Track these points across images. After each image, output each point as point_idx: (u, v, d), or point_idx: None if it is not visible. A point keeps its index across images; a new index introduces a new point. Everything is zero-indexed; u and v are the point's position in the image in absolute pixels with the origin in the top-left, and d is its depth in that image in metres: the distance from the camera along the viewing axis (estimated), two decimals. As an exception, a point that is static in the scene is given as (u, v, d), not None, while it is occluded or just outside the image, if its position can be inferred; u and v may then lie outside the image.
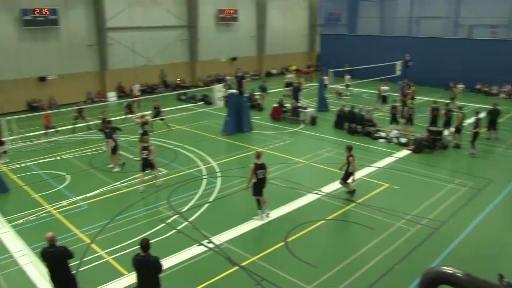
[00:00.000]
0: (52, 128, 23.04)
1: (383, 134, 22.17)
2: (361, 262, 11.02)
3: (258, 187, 13.32)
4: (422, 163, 18.58)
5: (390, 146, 21.04)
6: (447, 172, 17.64)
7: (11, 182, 17.05)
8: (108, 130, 18.46)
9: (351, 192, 15.09)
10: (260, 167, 13.18)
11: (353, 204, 14.42)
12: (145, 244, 8.09)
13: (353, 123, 23.52)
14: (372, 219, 13.38)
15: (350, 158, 14.77)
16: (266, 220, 13.46)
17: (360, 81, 36.04)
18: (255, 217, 13.58)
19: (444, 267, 5.75)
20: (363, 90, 35.46)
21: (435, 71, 36.36)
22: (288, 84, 34.82)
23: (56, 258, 8.66)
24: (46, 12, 30.78)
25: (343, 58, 41.12)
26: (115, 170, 17.97)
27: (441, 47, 37.43)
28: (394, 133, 21.78)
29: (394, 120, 22.79)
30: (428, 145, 19.98)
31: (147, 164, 15.90)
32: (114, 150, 18.16)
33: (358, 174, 16.98)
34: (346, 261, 11.10)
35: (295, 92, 28.64)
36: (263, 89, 32.09)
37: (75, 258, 9.25)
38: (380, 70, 34.33)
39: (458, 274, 5.51)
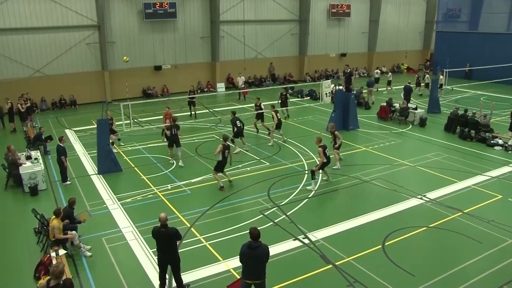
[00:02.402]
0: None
1: (500, 142, 20.55)
2: (463, 277, 10.34)
3: (326, 164, 15.65)
4: (543, 175, 16.97)
5: (507, 155, 19.45)
6: None
7: (124, 163, 18.42)
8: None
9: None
10: (325, 147, 15.56)
11: (459, 213, 13.57)
12: (256, 234, 8.32)
13: (466, 127, 22.06)
14: (480, 231, 12.49)
15: (319, 149, 15.48)
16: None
17: (478, 83, 33.66)
18: (308, 188, 15.46)
19: None
20: (481, 93, 33.11)
21: None
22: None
23: (166, 238, 9.19)
24: (166, 6, 32.71)
25: (460, 57, 38.71)
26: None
27: None
28: (513, 140, 20.12)
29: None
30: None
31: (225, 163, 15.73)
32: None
33: (469, 182, 16.05)
34: (447, 273, 10.47)
35: (407, 92, 27.54)
36: (370, 85, 31.30)
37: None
38: (504, 72, 31.74)
39: None
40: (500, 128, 22.31)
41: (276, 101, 25.71)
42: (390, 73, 36.79)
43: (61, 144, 16.19)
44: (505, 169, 17.59)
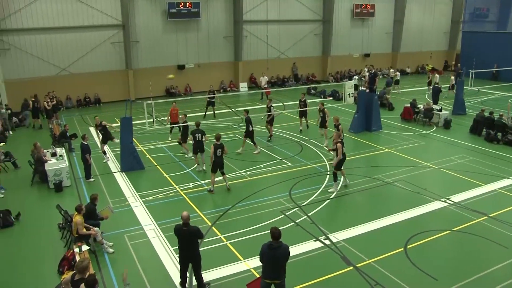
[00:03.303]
0: (175, 124, 21.08)
1: (527, 144, 20.11)
2: (488, 282, 10.11)
3: (343, 161, 15.39)
4: None
5: (535, 158, 19.03)
6: None
7: (147, 161, 18.60)
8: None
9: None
10: (343, 143, 15.39)
11: (485, 218, 13.30)
12: (278, 234, 8.27)
13: (493, 130, 21.62)
14: (506, 236, 12.21)
15: (338, 145, 15.25)
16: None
17: (506, 84, 32.98)
18: (330, 190, 15.31)
19: None
20: (509, 94, 32.45)
21: None
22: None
23: (187, 236, 9.26)
24: (190, 6, 32.93)
25: (487, 58, 38.00)
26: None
27: None
28: (541, 144, 19.64)
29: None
30: None
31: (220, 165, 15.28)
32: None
33: (495, 186, 15.74)
34: (471, 278, 10.27)
35: (435, 94, 27.14)
36: (388, 84, 31.14)
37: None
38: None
39: None
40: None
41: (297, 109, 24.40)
42: (397, 73, 36.49)
43: (85, 142, 16.42)
44: (532, 173, 17.20)
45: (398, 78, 35.39)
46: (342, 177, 15.88)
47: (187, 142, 19.01)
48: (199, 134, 16.78)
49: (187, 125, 19.25)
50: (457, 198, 14.72)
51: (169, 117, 21.18)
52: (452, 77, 33.12)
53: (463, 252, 11.69)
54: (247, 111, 19.77)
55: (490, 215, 13.42)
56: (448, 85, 32.58)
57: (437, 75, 34.28)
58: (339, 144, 15.20)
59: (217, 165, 15.17)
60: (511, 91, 33.24)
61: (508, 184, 16.04)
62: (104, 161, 18.88)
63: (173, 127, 21.36)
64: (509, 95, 32.30)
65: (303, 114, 23.26)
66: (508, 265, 10.84)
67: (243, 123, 20.54)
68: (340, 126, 17.53)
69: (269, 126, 21.70)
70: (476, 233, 12.40)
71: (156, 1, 32.51)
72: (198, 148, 16.99)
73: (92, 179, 16.66)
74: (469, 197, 14.80)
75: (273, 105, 22.16)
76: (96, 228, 11.55)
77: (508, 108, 22.92)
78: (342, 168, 15.54)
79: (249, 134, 19.34)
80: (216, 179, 15.58)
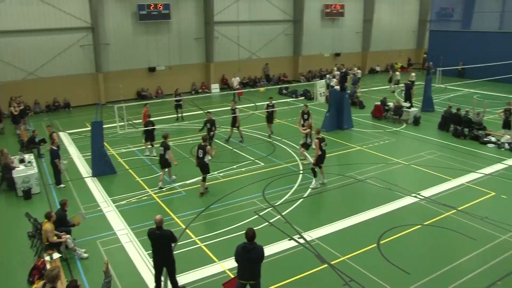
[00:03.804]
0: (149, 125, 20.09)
1: (493, 139, 20.65)
2: (458, 273, 10.38)
3: (322, 158, 15.45)
4: (536, 172, 17.06)
5: (500, 152, 19.55)
6: None
7: (118, 165, 18.38)
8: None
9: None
10: (322, 140, 15.35)
11: (454, 211, 13.63)
12: (251, 235, 8.28)
13: (460, 126, 22.15)
14: (474, 228, 12.56)
15: (316, 141, 15.46)
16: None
17: (472, 81, 33.83)
18: (311, 186, 15.56)
19: None
20: (474, 91, 33.28)
21: None
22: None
23: (161, 240, 9.19)
24: (160, 7, 32.66)
25: (453, 56, 38.90)
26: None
27: None
28: (506, 138, 20.19)
29: (506, 124, 21.04)
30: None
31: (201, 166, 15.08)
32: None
33: (463, 180, 16.13)
34: (442, 270, 10.52)
35: (407, 90, 27.57)
36: (355, 82, 31.96)
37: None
38: (496, 70, 31.93)
39: None
40: (493, 126, 22.41)
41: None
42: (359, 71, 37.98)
43: (54, 147, 16.14)
44: (498, 166, 17.69)
45: (359, 76, 36.39)
46: (320, 175, 15.96)
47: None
48: (162, 147, 15.72)
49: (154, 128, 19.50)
50: (427, 193, 15.04)
51: (143, 118, 20.96)
52: (413, 74, 33.97)
53: (434, 245, 11.96)
54: (210, 113, 19.55)
55: (459, 209, 13.76)
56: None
57: (397, 72, 35.92)
58: (316, 140, 15.38)
59: (323, 159, 15.51)
60: (477, 88, 34.11)
61: (475, 177, 16.46)
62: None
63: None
64: (475, 92, 33.13)
65: (270, 118, 22.27)
66: (476, 256, 11.17)
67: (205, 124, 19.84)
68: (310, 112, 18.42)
69: (237, 129, 21.41)
70: (446, 227, 12.71)
71: (126, 3, 32.12)
72: (161, 162, 15.87)
73: (62, 185, 16.36)
74: (439, 191, 15.15)
75: (237, 107, 21.79)
76: (68, 235, 11.36)
77: (473, 104, 23.50)
78: (321, 165, 15.69)
79: (210, 137, 18.86)
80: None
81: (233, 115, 21.10)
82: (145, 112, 21.01)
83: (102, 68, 31.76)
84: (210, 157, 14.95)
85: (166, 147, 15.57)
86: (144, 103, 22.77)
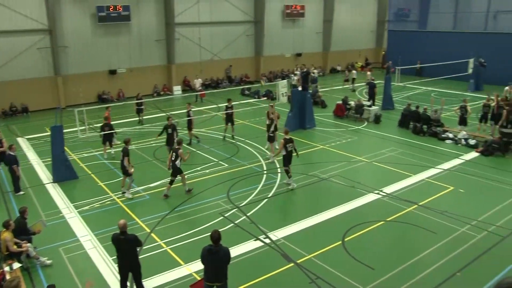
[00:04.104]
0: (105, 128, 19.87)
1: (450, 135, 21.32)
2: (420, 267, 10.69)
3: (288, 159, 15.41)
4: (491, 166, 17.70)
5: (457, 148, 20.20)
6: (519, 177, 16.65)
7: (80, 170, 18.00)
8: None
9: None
10: (289, 141, 15.41)
11: (415, 206, 14.01)
12: (216, 237, 8.26)
13: (419, 123, 22.76)
14: (435, 222, 12.95)
15: (281, 141, 15.71)
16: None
17: (429, 79, 34.83)
18: (290, 187, 15.62)
19: None
20: (432, 89, 34.26)
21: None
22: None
23: (125, 245, 9.08)
24: (120, 9, 32.14)
25: (411, 55, 40.00)
26: None
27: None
28: (462, 134, 20.88)
29: (462, 121, 21.77)
30: (499, 148, 18.96)
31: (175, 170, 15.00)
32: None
33: (423, 175, 16.58)
34: (405, 264, 10.81)
35: (371, 89, 28.08)
36: (313, 82, 32.22)
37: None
38: (452, 69, 33.05)
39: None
40: (450, 123, 23.14)
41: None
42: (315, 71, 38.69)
43: (11, 153, 15.67)
44: (455, 162, 18.27)
45: (316, 76, 37.10)
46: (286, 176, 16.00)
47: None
48: (122, 154, 15.13)
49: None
50: (389, 189, 15.40)
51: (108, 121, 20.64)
52: (368, 73, 35.02)
53: (396, 240, 12.27)
54: (170, 118, 19.03)
55: (420, 204, 14.15)
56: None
57: (354, 71, 37.27)
58: (281, 141, 15.54)
59: (290, 160, 15.57)
60: (434, 86, 35.09)
61: (434, 173, 16.96)
62: None
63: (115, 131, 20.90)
64: (432, 90, 34.10)
65: (229, 120, 21.79)
66: (437, 249, 11.52)
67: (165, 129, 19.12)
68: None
69: (190, 132, 21.15)
70: (407, 222, 13.05)
71: (84, 4, 31.42)
72: (122, 168, 15.33)
73: (22, 192, 15.90)
74: (400, 187, 15.53)
75: (192, 109, 21.50)
76: (29, 244, 11.06)
77: (431, 102, 24.19)
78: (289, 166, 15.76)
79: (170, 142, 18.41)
80: (157, 183, 15.32)
81: (188, 118, 20.87)
82: (107, 115, 20.77)
83: (61, 71, 31.00)
84: (182, 161, 14.88)
85: (124, 153, 15.00)
86: (106, 106, 22.41)
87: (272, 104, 20.34)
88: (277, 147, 18.23)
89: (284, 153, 15.43)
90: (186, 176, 15.69)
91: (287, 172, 15.65)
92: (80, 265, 11.15)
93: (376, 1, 50.15)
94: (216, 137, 22.41)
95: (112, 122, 20.38)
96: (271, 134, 18.80)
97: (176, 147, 15.00)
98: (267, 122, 19.57)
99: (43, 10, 29.65)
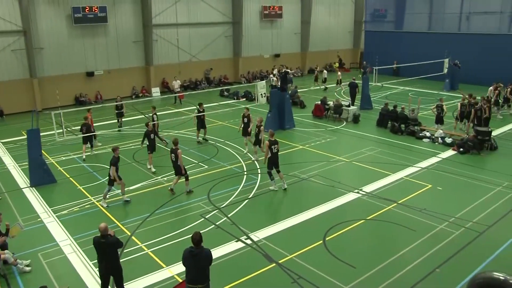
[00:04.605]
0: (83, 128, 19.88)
1: (427, 134, 21.65)
2: (400, 264, 10.83)
3: (273, 161, 15.35)
4: (468, 164, 18.04)
5: (434, 146, 20.53)
6: (495, 174, 16.95)
7: (58, 174, 17.73)
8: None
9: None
10: (274, 142, 15.29)
11: (394, 204, 14.19)
12: (197, 239, 8.23)
13: (397, 122, 23.07)
14: (414, 220, 13.13)
15: (266, 142, 15.70)
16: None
17: (406, 79, 35.36)
18: (270, 188, 15.60)
19: (495, 273, 5.02)
20: (409, 89, 34.76)
21: (488, 69, 34.96)
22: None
23: (107, 248, 8.99)
24: (96, 10, 31.77)
25: (388, 55, 40.53)
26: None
27: (495, 44, 35.76)
28: (439, 133, 21.23)
29: (439, 119, 22.14)
30: (474, 145, 19.32)
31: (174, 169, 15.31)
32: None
33: (401, 174, 16.80)
34: (385, 262, 10.93)
35: (353, 88, 28.29)
36: (290, 81, 32.24)
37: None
38: (427, 68, 33.66)
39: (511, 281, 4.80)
40: (427, 121, 23.48)
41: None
42: (325, 71, 38.51)
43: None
44: (433, 160, 18.56)
45: (326, 76, 37.87)
46: (281, 180, 15.81)
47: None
48: (112, 161, 14.70)
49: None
50: (369, 188, 15.56)
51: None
52: (339, 73, 35.49)
53: (377, 238, 12.40)
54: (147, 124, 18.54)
55: (399, 202, 14.34)
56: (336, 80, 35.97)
57: (325, 71, 38.17)
58: (266, 142, 15.56)
59: (275, 162, 15.54)
60: (411, 86, 35.61)
61: (412, 171, 17.20)
62: None
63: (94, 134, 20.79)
64: (409, 89, 34.59)
65: (201, 125, 21.41)
66: (416, 246, 11.69)
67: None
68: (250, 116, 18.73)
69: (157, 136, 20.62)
70: (387, 220, 13.21)
71: (59, 5, 30.98)
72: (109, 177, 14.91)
73: None
74: (380, 186, 15.71)
75: (156, 113, 21.22)
76: (6, 251, 10.84)
77: (409, 101, 24.54)
78: (279, 170, 15.69)
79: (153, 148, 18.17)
80: (137, 185, 15.15)
81: (153, 122, 20.24)
82: (89, 116, 20.34)
83: (37, 73, 30.50)
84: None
85: (112, 162, 14.57)
86: (87, 108, 22.14)
87: (247, 107, 20.31)
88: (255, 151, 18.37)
89: (269, 155, 15.35)
90: (165, 178, 15.63)
91: (270, 174, 15.59)
92: (60, 270, 10.98)
93: (353, 2, 50.64)
94: (195, 139, 22.28)
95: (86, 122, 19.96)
96: (260, 138, 18.36)
97: (174, 147, 14.99)
98: (241, 125, 19.56)
99: (17, 11, 29.15)
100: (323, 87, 36.71)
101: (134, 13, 34.65)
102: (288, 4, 44.40)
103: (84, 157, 19.55)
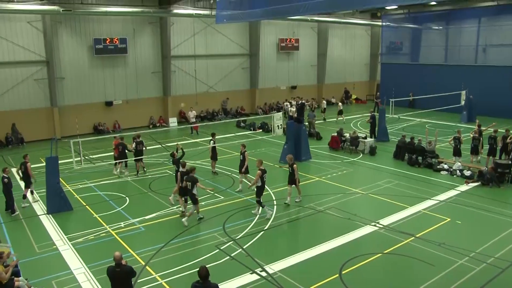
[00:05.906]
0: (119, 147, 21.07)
1: (445, 166, 21.41)
2: (419, 300, 10.57)
3: (262, 189, 15.76)
4: (488, 197, 17.72)
5: (452, 179, 20.26)
6: (516, 208, 16.63)
7: (75, 202, 17.86)
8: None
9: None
10: (264, 172, 15.76)
11: (412, 238, 13.93)
12: (204, 274, 8.10)
13: (414, 154, 22.88)
14: (432, 254, 12.86)
15: (258, 172, 15.71)
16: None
17: (422, 111, 35.24)
18: (267, 217, 15.76)
19: None
20: (426, 121, 34.59)
21: (505, 101, 34.68)
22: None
23: (121, 277, 8.96)
24: (116, 41, 32.55)
25: (404, 87, 40.56)
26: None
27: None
28: (457, 165, 20.98)
29: (456, 152, 21.88)
30: (491, 178, 19.00)
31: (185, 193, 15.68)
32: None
33: (419, 207, 16.56)
34: (403, 297, 10.69)
35: (374, 120, 28.33)
36: (310, 117, 32.06)
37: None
38: (444, 100, 33.58)
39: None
40: (444, 154, 23.27)
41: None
42: (340, 103, 38.44)
43: (5, 175, 15.72)
44: (451, 193, 18.29)
45: (341, 108, 37.80)
46: (288, 198, 16.96)
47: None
48: (190, 183, 15.23)
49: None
50: (386, 221, 15.33)
51: (115, 150, 21.33)
52: (340, 103, 35.90)
53: (394, 273, 12.13)
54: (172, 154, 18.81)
55: (417, 235, 14.07)
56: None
57: (340, 103, 38.35)
58: (259, 171, 15.61)
59: (262, 191, 15.88)
60: (427, 117, 35.46)
61: (430, 204, 16.94)
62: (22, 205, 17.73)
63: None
64: (426, 121, 34.43)
65: (213, 155, 21.57)
66: (435, 282, 11.38)
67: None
68: (295, 165, 17.32)
69: (138, 163, 21.64)
70: (405, 254, 12.94)
71: (82, 37, 31.88)
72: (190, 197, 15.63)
73: (17, 212, 16.37)
74: (397, 219, 15.46)
75: (145, 147, 21.86)
76: (20, 278, 10.85)
77: (426, 133, 24.38)
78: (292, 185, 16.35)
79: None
80: (153, 215, 15.17)
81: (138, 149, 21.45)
82: (115, 143, 21.21)
83: (57, 102, 31.14)
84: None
85: (194, 180, 15.13)
86: (113, 136, 22.85)
87: (243, 144, 19.65)
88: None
89: (259, 184, 15.61)
90: (180, 208, 15.73)
91: (259, 203, 15.78)
92: (74, 299, 10.95)
93: (369, 35, 51.13)
94: (210, 169, 22.30)
95: (106, 154, 20.40)
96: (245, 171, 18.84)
97: (191, 175, 15.21)
98: (241, 158, 19.10)
99: (41, 42, 30.04)
100: (341, 118, 36.50)
101: (153, 45, 35.40)
102: (305, 36, 44.97)
103: (116, 171, 21.45)
